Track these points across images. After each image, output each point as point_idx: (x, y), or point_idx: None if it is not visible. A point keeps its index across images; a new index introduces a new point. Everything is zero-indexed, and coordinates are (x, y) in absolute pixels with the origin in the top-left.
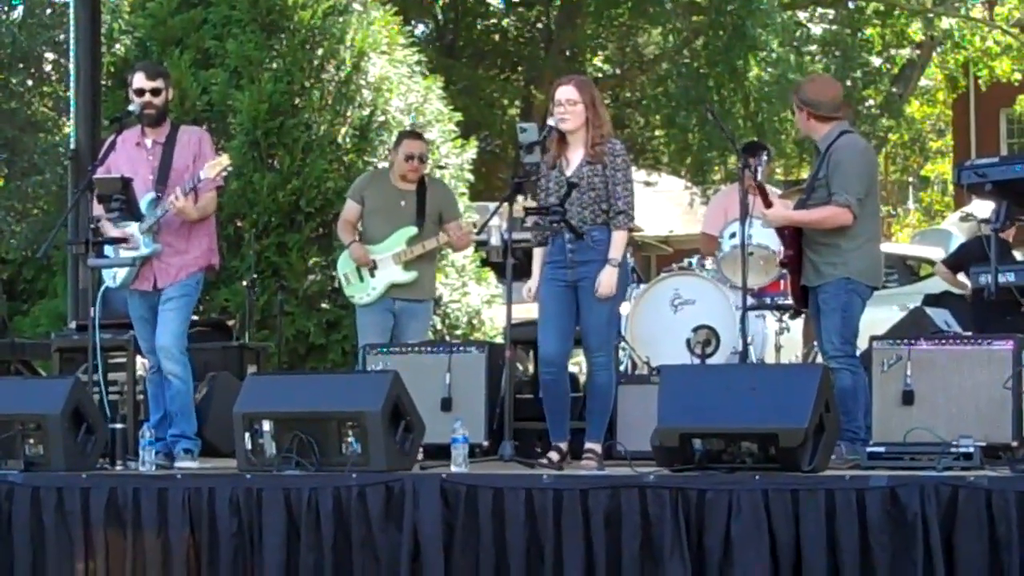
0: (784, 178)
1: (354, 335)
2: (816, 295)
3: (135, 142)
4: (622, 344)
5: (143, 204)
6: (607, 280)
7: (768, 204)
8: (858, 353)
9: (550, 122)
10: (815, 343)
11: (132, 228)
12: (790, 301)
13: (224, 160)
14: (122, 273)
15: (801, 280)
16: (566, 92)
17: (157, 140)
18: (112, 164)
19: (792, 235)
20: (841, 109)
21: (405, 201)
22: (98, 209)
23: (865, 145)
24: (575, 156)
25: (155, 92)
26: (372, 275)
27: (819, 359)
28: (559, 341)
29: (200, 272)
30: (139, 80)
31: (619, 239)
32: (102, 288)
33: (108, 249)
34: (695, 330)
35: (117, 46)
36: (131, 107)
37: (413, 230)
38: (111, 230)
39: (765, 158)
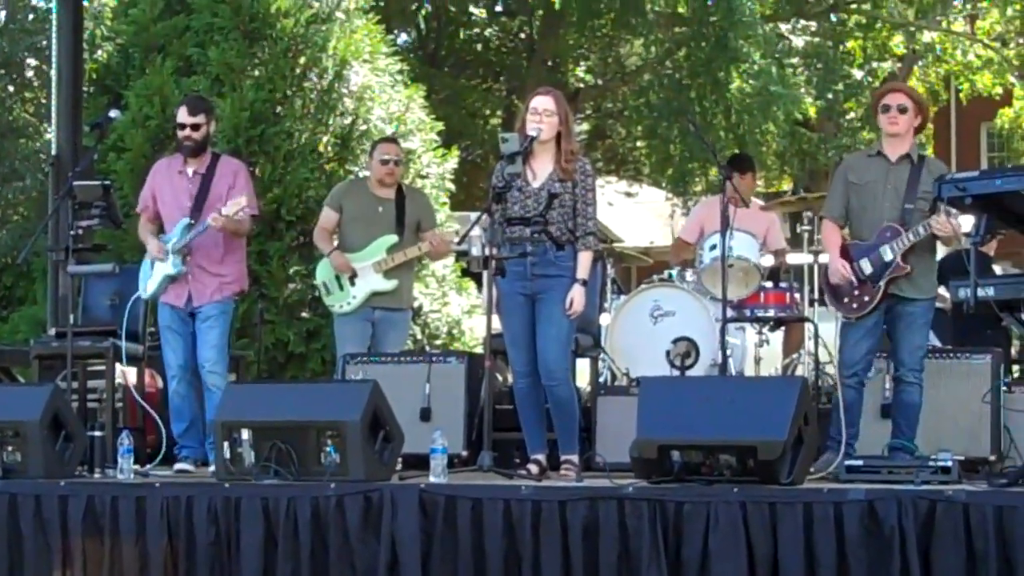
0: (765, 190)
1: (334, 344)
2: (903, 306)
3: (177, 170)
4: (601, 355)
5: (178, 229)
6: (579, 299)
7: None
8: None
9: (529, 132)
10: (795, 355)
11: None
12: (770, 313)
13: (242, 200)
14: (150, 288)
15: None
16: (544, 102)
17: (198, 170)
18: (156, 189)
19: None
20: None
21: (384, 209)
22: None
23: None
24: (541, 168)
25: (195, 127)
26: (352, 283)
27: (799, 371)
28: (527, 351)
29: (233, 295)
30: (181, 115)
31: (586, 259)
32: (133, 297)
33: (155, 264)
34: (675, 342)
35: (99, 52)
36: (112, 113)
37: (393, 238)
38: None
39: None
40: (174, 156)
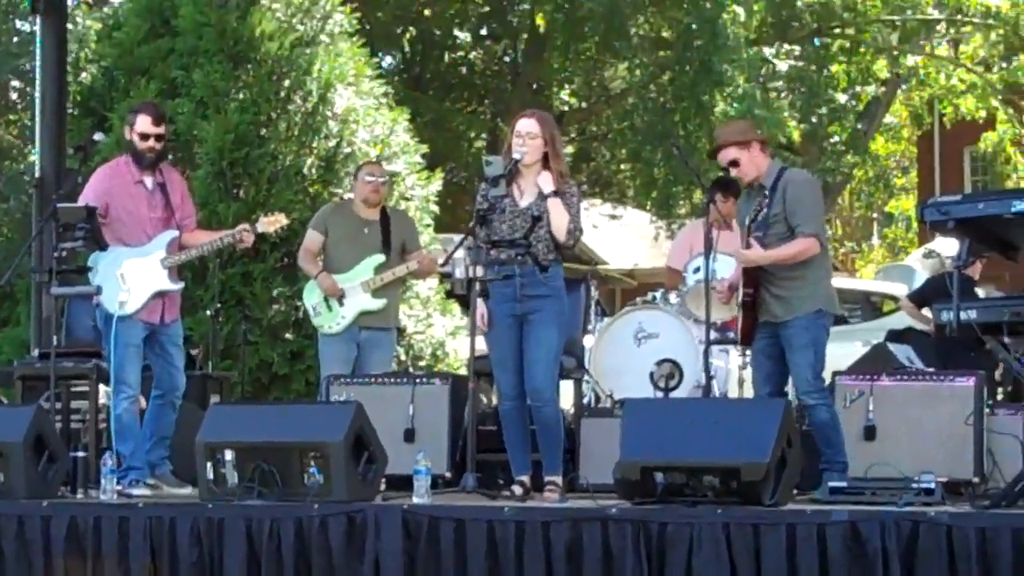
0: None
1: (318, 365)
2: (781, 330)
3: (134, 180)
4: (585, 377)
5: (163, 241)
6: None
7: (747, 245)
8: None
9: (514, 155)
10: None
11: (153, 260)
12: None
13: (283, 219)
14: (135, 303)
15: (762, 317)
16: (526, 125)
17: (157, 180)
18: (111, 198)
19: (752, 274)
20: None
21: (369, 231)
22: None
23: (812, 176)
24: (529, 188)
25: (159, 138)
26: (341, 304)
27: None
28: (515, 373)
29: None
30: (145, 124)
31: (564, 212)
32: (114, 316)
33: (129, 278)
34: (658, 364)
35: (83, 75)
36: (96, 136)
37: (381, 258)
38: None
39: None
40: (121, 164)
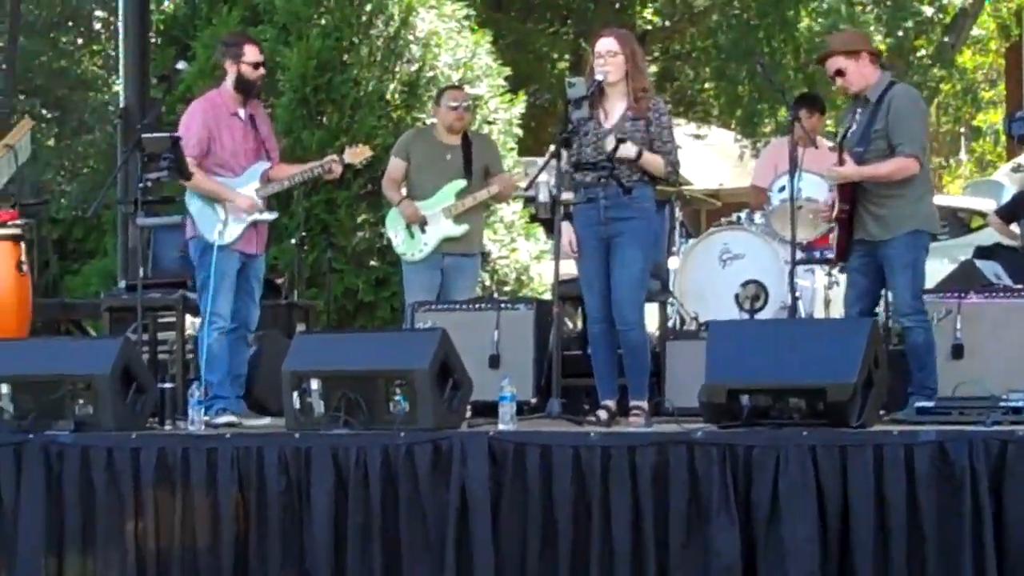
0: (835, 130)
1: (403, 292)
2: (879, 250)
3: (230, 111)
4: (670, 299)
5: (257, 171)
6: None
7: (841, 161)
8: None
9: (596, 77)
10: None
11: (248, 191)
12: None
13: (368, 151)
14: (233, 233)
15: (858, 235)
16: (606, 44)
17: (249, 112)
18: (212, 131)
19: (848, 190)
20: None
21: (452, 156)
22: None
23: (919, 94)
24: (614, 108)
25: (265, 66)
26: (423, 231)
27: None
28: (601, 296)
29: None
30: (255, 54)
31: (655, 159)
32: (214, 245)
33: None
34: (744, 285)
35: (166, 3)
36: (179, 65)
37: (462, 183)
38: (230, 193)
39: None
40: (215, 97)
